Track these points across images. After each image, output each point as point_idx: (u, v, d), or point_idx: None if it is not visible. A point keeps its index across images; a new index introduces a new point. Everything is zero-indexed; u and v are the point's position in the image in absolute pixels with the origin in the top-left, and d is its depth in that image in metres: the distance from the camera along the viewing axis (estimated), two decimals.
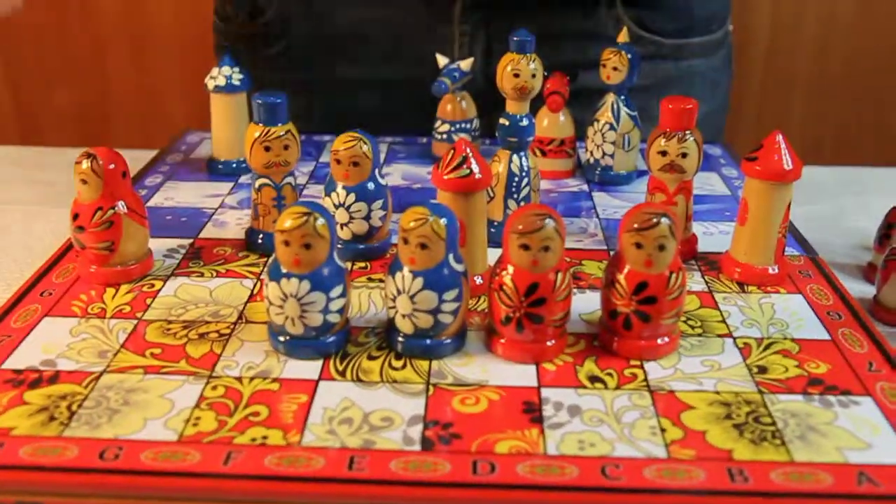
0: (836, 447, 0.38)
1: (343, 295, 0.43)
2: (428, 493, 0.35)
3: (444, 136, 0.71)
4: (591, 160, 0.68)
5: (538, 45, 0.56)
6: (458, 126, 0.70)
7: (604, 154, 0.67)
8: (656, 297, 0.43)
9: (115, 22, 1.45)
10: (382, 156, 0.73)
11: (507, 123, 0.56)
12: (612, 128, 0.66)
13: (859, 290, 0.58)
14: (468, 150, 0.48)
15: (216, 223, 0.60)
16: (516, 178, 0.56)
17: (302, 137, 0.76)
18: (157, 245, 0.55)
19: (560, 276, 0.42)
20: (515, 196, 0.57)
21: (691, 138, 0.52)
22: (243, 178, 0.68)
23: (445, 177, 0.48)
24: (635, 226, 0.42)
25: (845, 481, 0.36)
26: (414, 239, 0.42)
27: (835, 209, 0.73)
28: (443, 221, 0.42)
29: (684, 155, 0.52)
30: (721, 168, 0.72)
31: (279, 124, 0.53)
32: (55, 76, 1.43)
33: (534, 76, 0.54)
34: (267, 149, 0.53)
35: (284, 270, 0.42)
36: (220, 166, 0.68)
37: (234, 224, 0.60)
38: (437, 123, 0.71)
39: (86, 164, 0.49)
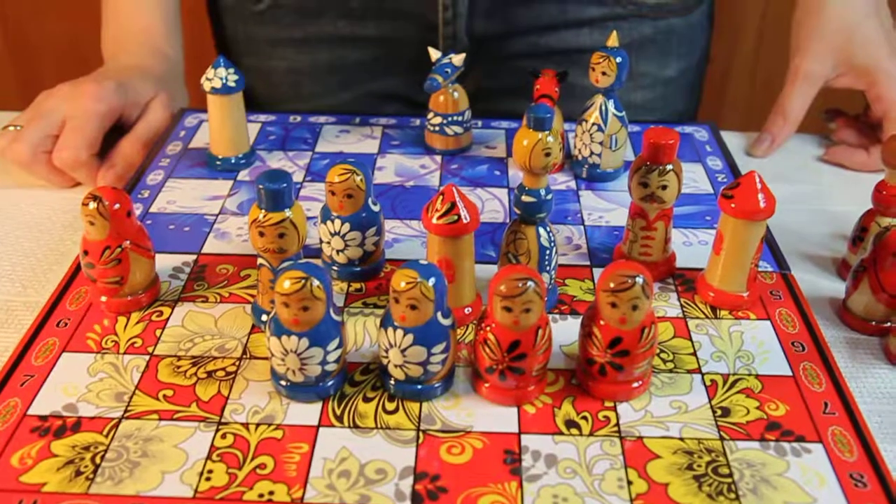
0: (784, 501, 0.42)
1: (339, 347, 0.47)
2: None
3: (437, 128, 0.72)
4: (580, 157, 0.70)
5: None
6: (450, 118, 0.72)
7: (591, 153, 0.68)
8: (629, 351, 0.46)
9: None
10: (377, 143, 0.75)
11: (533, 200, 0.52)
12: (599, 129, 0.67)
13: (832, 287, 0.62)
14: (456, 196, 0.50)
15: (217, 234, 0.62)
16: (547, 252, 0.54)
17: (297, 118, 0.78)
18: (163, 262, 0.58)
19: (540, 332, 0.46)
20: (548, 268, 0.54)
21: (671, 170, 0.55)
22: (242, 175, 0.70)
23: (435, 222, 0.50)
24: (611, 286, 0.45)
25: None
26: (404, 300, 0.45)
27: (818, 189, 0.74)
28: (431, 283, 0.45)
29: (664, 187, 0.55)
30: (707, 157, 0.74)
31: (278, 210, 0.49)
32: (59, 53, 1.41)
33: (560, 150, 0.52)
34: (261, 234, 0.50)
35: (285, 327, 0.46)
36: (218, 163, 0.70)
37: (234, 235, 0.62)
38: (430, 115, 0.72)
39: (92, 206, 0.51)
